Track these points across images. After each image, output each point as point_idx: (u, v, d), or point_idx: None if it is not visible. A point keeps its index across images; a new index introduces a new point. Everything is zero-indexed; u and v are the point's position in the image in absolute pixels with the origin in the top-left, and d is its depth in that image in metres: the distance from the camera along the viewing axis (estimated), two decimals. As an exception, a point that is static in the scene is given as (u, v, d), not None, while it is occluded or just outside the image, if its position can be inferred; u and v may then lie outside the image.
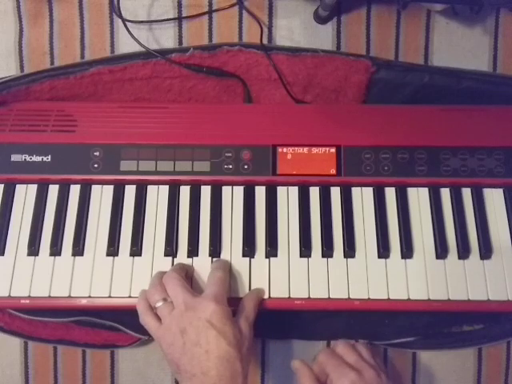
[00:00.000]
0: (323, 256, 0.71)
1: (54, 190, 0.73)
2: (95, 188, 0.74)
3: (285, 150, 0.74)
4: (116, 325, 0.74)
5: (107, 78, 0.78)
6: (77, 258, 0.70)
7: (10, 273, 0.69)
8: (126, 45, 0.82)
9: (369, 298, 0.69)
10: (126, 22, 0.80)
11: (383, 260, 0.71)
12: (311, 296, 0.69)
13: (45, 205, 0.73)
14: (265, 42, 0.82)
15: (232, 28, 0.83)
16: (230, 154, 0.73)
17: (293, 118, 0.76)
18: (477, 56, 0.84)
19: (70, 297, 0.68)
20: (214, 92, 0.81)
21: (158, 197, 0.73)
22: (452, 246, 0.71)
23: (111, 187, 0.74)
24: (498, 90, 0.80)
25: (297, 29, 0.83)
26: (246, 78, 0.80)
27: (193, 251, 0.70)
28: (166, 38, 0.83)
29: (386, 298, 0.69)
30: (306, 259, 0.71)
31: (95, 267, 0.70)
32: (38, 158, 0.73)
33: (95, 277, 0.69)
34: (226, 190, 0.74)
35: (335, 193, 0.74)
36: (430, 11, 0.84)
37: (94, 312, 0.74)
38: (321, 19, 0.83)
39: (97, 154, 0.73)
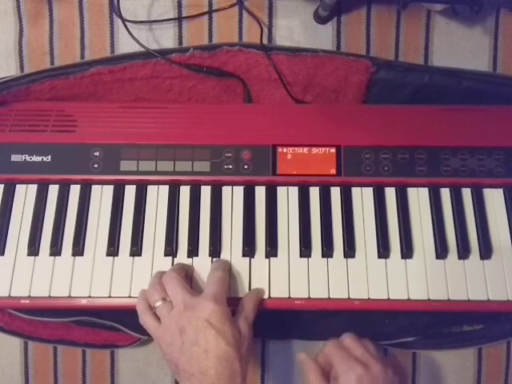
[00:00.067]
0: (323, 256, 0.71)
1: (53, 190, 0.73)
2: (95, 188, 0.74)
3: (285, 149, 0.74)
4: (116, 325, 0.74)
5: (107, 78, 0.78)
6: (77, 257, 0.70)
7: (10, 273, 0.69)
8: (125, 45, 0.82)
9: (369, 298, 0.69)
10: (126, 22, 0.80)
11: (383, 260, 0.71)
12: (311, 296, 0.69)
13: (45, 205, 0.73)
14: (265, 41, 0.82)
15: (232, 28, 0.83)
16: (229, 154, 0.73)
17: (293, 118, 0.76)
18: (477, 56, 0.84)
19: (69, 297, 0.68)
20: (214, 92, 0.81)
21: (157, 197, 0.73)
22: (452, 246, 0.71)
23: (111, 187, 0.74)
24: (498, 90, 0.80)
25: (297, 29, 0.83)
26: (246, 78, 0.80)
27: (193, 251, 0.70)
28: (166, 37, 0.83)
29: (386, 298, 0.69)
30: (305, 259, 0.71)
31: (95, 267, 0.70)
32: (38, 158, 0.73)
33: (95, 277, 0.69)
34: (225, 190, 0.74)
35: (335, 193, 0.74)
36: (429, 11, 0.84)
37: (93, 312, 0.74)
38: (321, 19, 0.83)
39: (97, 154, 0.73)
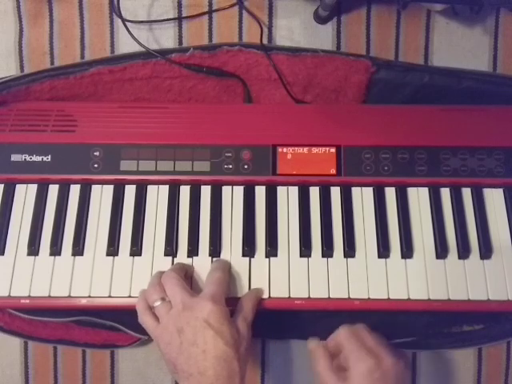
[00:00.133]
0: (323, 256, 0.71)
1: (53, 190, 0.73)
2: (95, 188, 0.74)
3: (285, 149, 0.74)
4: (116, 325, 0.74)
5: (107, 78, 0.78)
6: (77, 257, 0.70)
7: (10, 272, 0.69)
8: (125, 45, 0.82)
9: (369, 298, 0.69)
10: (126, 22, 0.80)
11: (383, 260, 0.71)
12: (311, 296, 0.69)
13: (45, 205, 0.73)
14: (265, 42, 0.82)
15: (232, 28, 0.83)
16: (229, 154, 0.73)
17: (293, 118, 0.76)
18: (477, 56, 0.84)
19: (69, 297, 0.68)
20: (214, 92, 0.81)
21: (157, 197, 0.73)
22: (452, 246, 0.71)
23: (111, 187, 0.74)
24: (498, 90, 0.80)
25: (297, 29, 0.83)
26: (246, 78, 0.80)
27: (193, 251, 0.70)
28: (166, 37, 0.83)
29: (386, 297, 0.69)
30: (306, 259, 0.70)
31: (95, 267, 0.70)
32: (38, 158, 0.73)
33: (95, 277, 0.69)
34: (225, 190, 0.74)
35: (335, 193, 0.74)
36: (430, 11, 0.84)
37: (93, 312, 0.74)
38: (321, 19, 0.83)
39: (97, 153, 0.73)
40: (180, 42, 0.83)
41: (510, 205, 0.74)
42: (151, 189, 0.74)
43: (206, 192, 0.74)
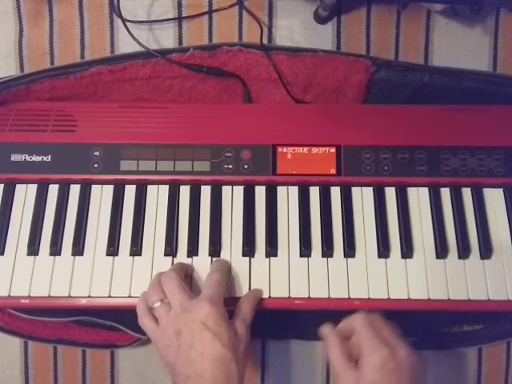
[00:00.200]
0: (323, 256, 0.71)
1: (53, 190, 0.73)
2: (95, 188, 0.74)
3: (285, 149, 0.74)
4: (116, 325, 0.74)
5: (107, 78, 0.78)
6: (77, 257, 0.70)
7: (10, 272, 0.69)
8: (125, 45, 0.82)
9: (369, 298, 0.69)
10: (126, 22, 0.80)
11: (383, 260, 0.71)
12: (311, 296, 0.69)
13: (45, 204, 0.73)
14: (265, 42, 0.82)
15: (232, 28, 0.83)
16: (230, 154, 0.73)
17: (293, 118, 0.76)
18: (477, 56, 0.84)
19: (69, 296, 0.68)
20: (214, 92, 0.81)
21: (157, 196, 0.73)
22: (452, 246, 0.71)
23: (111, 187, 0.74)
24: (498, 90, 0.80)
25: (297, 29, 0.83)
26: (246, 78, 0.80)
27: (193, 251, 0.70)
28: (166, 38, 0.83)
29: (386, 297, 0.69)
30: (306, 259, 0.70)
31: (95, 267, 0.70)
32: (38, 158, 0.73)
33: (95, 276, 0.69)
34: (225, 190, 0.74)
35: (335, 192, 0.74)
36: (430, 11, 0.84)
37: (93, 312, 0.74)
38: (321, 19, 0.83)
39: (97, 153, 0.73)
40: (180, 42, 0.83)
41: (510, 205, 0.74)
42: (151, 189, 0.74)
43: (205, 192, 0.74)
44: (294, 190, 0.74)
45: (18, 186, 0.73)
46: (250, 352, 0.80)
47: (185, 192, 0.74)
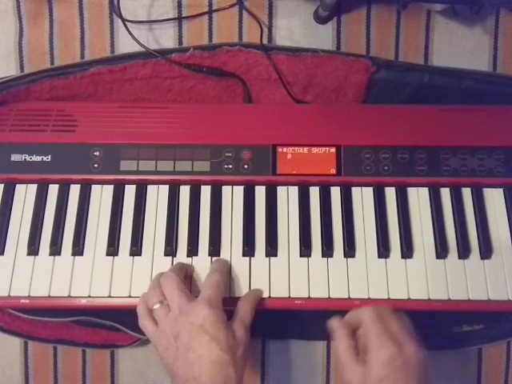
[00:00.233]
0: (323, 256, 0.71)
1: (53, 190, 0.73)
2: (95, 188, 0.74)
3: (285, 149, 0.74)
4: (116, 325, 0.74)
5: (107, 78, 0.78)
6: (76, 257, 0.70)
7: (10, 272, 0.69)
8: (125, 45, 0.82)
9: (369, 298, 0.69)
10: (126, 22, 0.80)
11: (383, 260, 0.71)
12: (311, 296, 0.69)
13: (45, 204, 0.73)
14: (265, 42, 0.82)
15: (232, 28, 0.83)
16: (230, 154, 0.73)
17: (293, 118, 0.76)
18: (477, 56, 0.84)
19: (69, 296, 0.68)
20: (214, 92, 0.81)
21: (157, 196, 0.73)
22: (452, 246, 0.71)
23: (111, 187, 0.74)
24: (498, 90, 0.80)
25: (297, 29, 0.83)
26: (246, 78, 0.80)
27: (192, 251, 0.70)
28: (166, 38, 0.83)
29: (386, 297, 0.69)
30: (306, 259, 0.70)
31: (95, 267, 0.70)
32: (38, 158, 0.73)
33: (95, 276, 0.69)
34: (225, 190, 0.74)
35: (335, 192, 0.74)
36: (429, 11, 0.84)
37: (93, 312, 0.74)
38: (321, 19, 0.83)
39: (97, 153, 0.73)
40: (180, 42, 0.83)
41: (510, 204, 0.74)
42: (151, 189, 0.74)
43: (205, 192, 0.74)
44: (294, 190, 0.74)
45: (17, 185, 0.73)
46: (250, 353, 0.80)
47: (185, 192, 0.74)
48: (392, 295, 0.69)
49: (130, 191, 0.74)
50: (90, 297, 0.68)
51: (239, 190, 0.74)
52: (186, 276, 0.68)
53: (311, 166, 0.73)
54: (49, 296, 0.68)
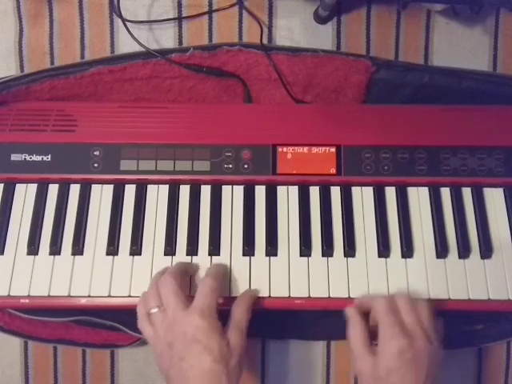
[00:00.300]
0: (323, 255, 0.71)
1: (53, 190, 0.73)
2: (95, 187, 0.74)
3: (285, 149, 0.74)
4: (116, 325, 0.74)
5: (107, 78, 0.78)
6: (76, 257, 0.70)
7: (10, 272, 0.69)
8: (126, 45, 0.82)
9: (369, 298, 0.69)
10: (126, 22, 0.80)
11: (383, 259, 0.71)
12: (311, 295, 0.68)
13: (44, 204, 0.73)
14: (265, 42, 0.82)
15: (232, 28, 0.83)
16: (229, 154, 0.73)
17: (293, 118, 0.76)
18: (477, 56, 0.84)
19: (69, 296, 0.68)
20: (214, 92, 0.81)
21: (157, 196, 0.73)
22: (452, 246, 0.71)
23: (111, 186, 0.74)
24: (498, 89, 0.80)
25: (297, 29, 0.83)
26: (246, 78, 0.80)
27: (192, 250, 0.70)
28: (165, 38, 0.83)
29: (386, 297, 0.69)
30: (306, 258, 0.70)
31: (95, 266, 0.70)
32: (38, 158, 0.73)
33: (95, 276, 0.69)
34: (225, 190, 0.74)
35: (335, 192, 0.74)
36: (429, 11, 0.84)
37: (93, 312, 0.73)
38: (321, 19, 0.83)
39: (97, 153, 0.73)
40: (180, 42, 0.83)
41: (510, 204, 0.74)
42: (151, 188, 0.74)
43: (205, 191, 0.74)
44: (294, 190, 0.74)
45: (17, 185, 0.73)
46: (249, 357, 0.80)
47: (185, 192, 0.74)
48: (392, 295, 0.69)
49: (129, 191, 0.74)
50: (89, 296, 0.68)
51: (239, 190, 0.74)
52: (188, 274, 0.68)
53: (311, 166, 0.73)
54: (49, 296, 0.68)
